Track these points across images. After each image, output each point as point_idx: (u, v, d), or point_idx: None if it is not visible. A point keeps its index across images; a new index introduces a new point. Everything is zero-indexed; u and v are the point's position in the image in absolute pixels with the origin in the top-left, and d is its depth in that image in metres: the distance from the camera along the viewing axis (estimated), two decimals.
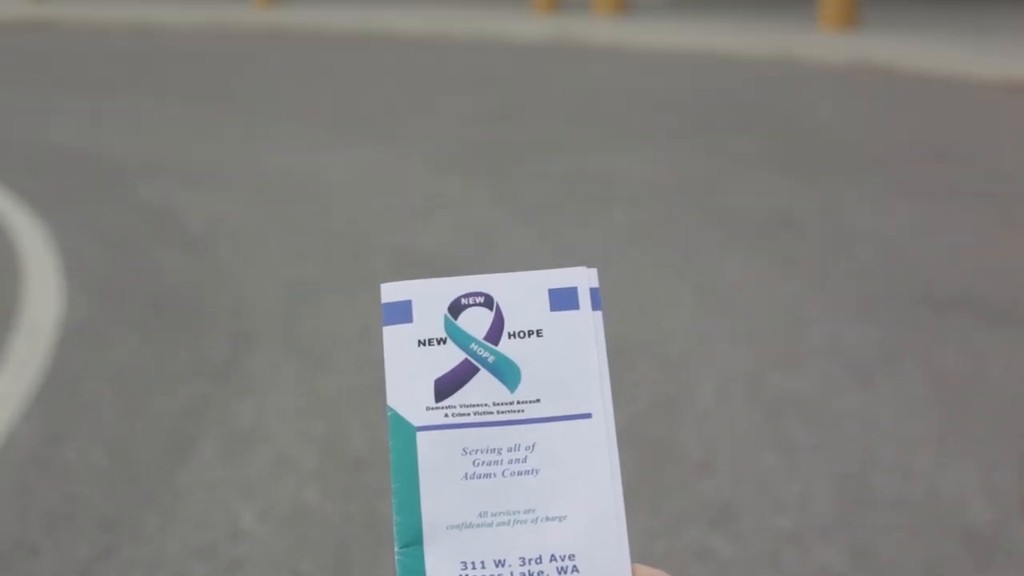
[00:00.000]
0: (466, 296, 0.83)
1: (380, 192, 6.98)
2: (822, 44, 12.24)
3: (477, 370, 0.82)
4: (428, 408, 0.81)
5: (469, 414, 0.81)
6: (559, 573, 0.79)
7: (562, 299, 0.83)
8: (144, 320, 4.87)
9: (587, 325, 0.83)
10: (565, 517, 0.79)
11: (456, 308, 0.83)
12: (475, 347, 0.82)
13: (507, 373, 0.82)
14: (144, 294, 5.21)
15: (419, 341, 0.82)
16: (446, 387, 0.82)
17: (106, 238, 6.09)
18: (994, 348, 4.36)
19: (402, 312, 0.83)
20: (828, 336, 4.52)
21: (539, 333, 0.82)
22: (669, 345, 4.47)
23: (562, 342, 0.82)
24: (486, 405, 0.81)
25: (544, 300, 0.83)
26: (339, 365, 4.32)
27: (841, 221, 6.12)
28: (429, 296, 0.83)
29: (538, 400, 0.82)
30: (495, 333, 0.82)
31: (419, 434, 0.81)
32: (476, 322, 0.82)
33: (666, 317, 4.79)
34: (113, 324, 4.82)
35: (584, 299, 0.83)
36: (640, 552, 2.93)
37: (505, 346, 0.82)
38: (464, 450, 0.81)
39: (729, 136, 8.33)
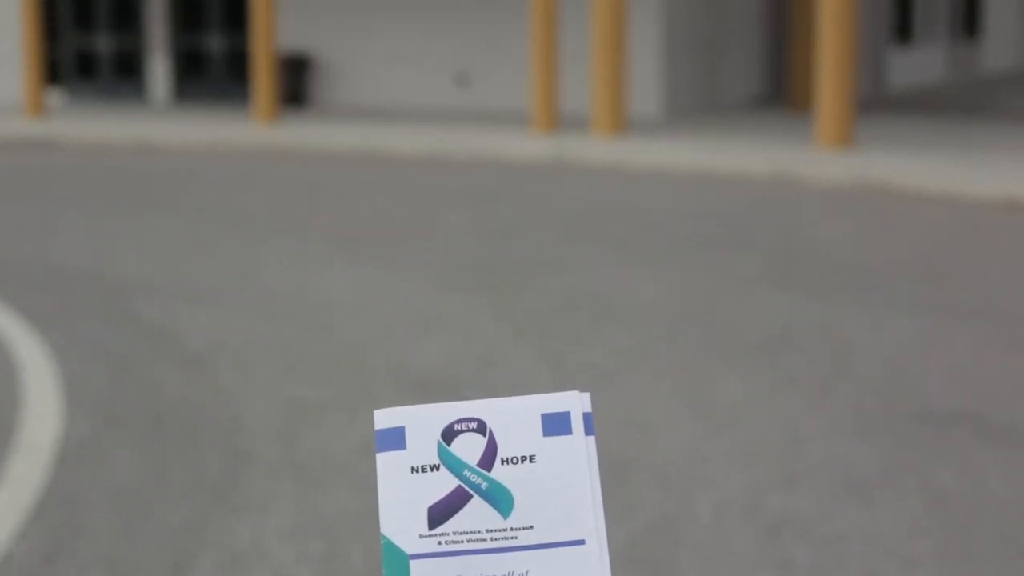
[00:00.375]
0: (459, 422, 0.84)
1: (381, 310, 7.02)
2: (819, 162, 12.42)
3: (470, 497, 0.83)
4: (421, 536, 0.82)
5: (462, 541, 0.82)
6: None
7: (555, 424, 0.84)
8: (144, 438, 4.87)
9: (580, 450, 0.83)
10: None
11: (449, 434, 0.83)
12: (468, 473, 0.83)
13: (500, 499, 0.83)
14: (144, 412, 5.21)
15: (412, 468, 0.83)
16: (439, 514, 0.83)
17: (106, 356, 6.11)
18: (993, 466, 4.35)
19: (395, 438, 0.83)
20: (827, 454, 4.51)
21: (532, 459, 0.83)
22: (668, 464, 4.46)
23: (555, 467, 0.83)
24: (479, 532, 0.82)
25: (537, 425, 0.84)
26: (338, 484, 4.31)
27: (840, 339, 6.15)
28: (422, 422, 0.84)
29: (531, 527, 0.82)
30: (488, 459, 0.83)
31: (412, 562, 0.82)
32: (469, 448, 0.83)
33: (665, 436, 4.78)
34: (113, 442, 4.81)
35: (577, 424, 0.84)
36: None
37: (498, 472, 0.83)
38: None
39: (728, 254, 8.40)
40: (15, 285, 7.82)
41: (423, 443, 0.83)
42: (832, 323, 6.46)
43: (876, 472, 4.32)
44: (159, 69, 21.97)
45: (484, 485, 0.83)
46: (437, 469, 0.83)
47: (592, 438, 0.84)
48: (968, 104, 20.36)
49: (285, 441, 4.79)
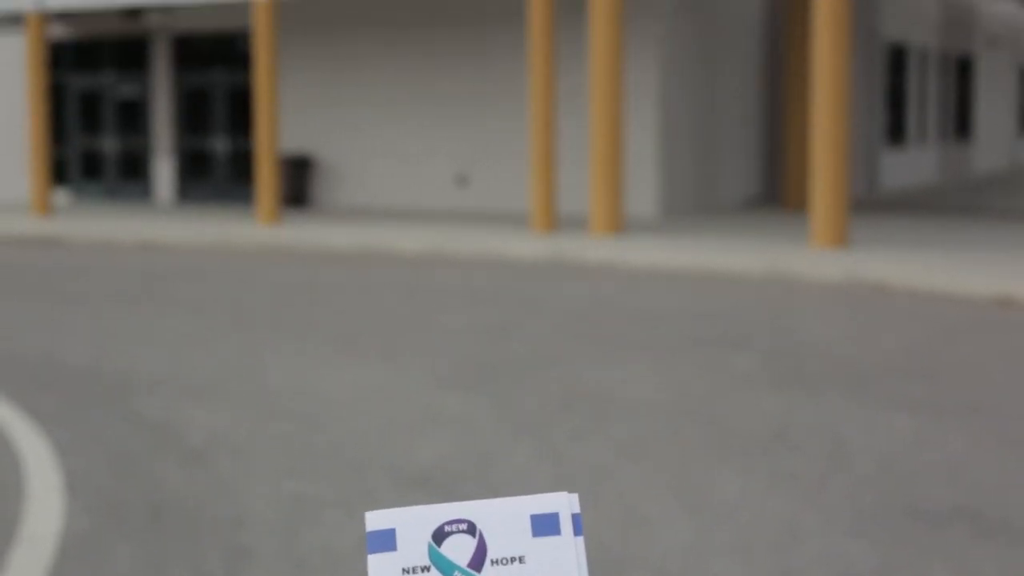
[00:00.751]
0: (449, 523, 0.85)
1: (380, 407, 7.07)
2: (814, 261, 12.56)
3: None
4: None
5: None
6: None
7: (544, 525, 0.85)
8: (144, 533, 4.89)
9: (569, 551, 0.85)
10: None
11: (440, 535, 0.85)
12: (459, 575, 0.84)
13: None
14: (145, 507, 5.24)
15: (404, 569, 0.84)
16: None
17: (108, 451, 6.14)
18: (989, 563, 4.37)
19: (386, 540, 0.85)
20: (824, 551, 4.54)
21: (522, 559, 0.84)
22: (666, 560, 4.48)
23: (544, 568, 0.84)
24: None
25: (526, 526, 0.85)
26: None
27: (836, 436, 6.19)
28: (413, 524, 0.85)
29: None
30: (478, 560, 0.84)
31: None
32: (459, 549, 0.84)
33: (663, 531, 4.81)
34: (113, 536, 4.83)
35: (566, 525, 0.85)
36: None
37: (488, 573, 0.84)
38: None
39: (725, 352, 8.47)
40: (19, 381, 7.87)
41: (414, 544, 0.84)
42: (828, 420, 6.51)
43: (873, 569, 4.34)
44: (164, 170, 22.28)
45: None
46: (428, 571, 0.84)
47: (581, 539, 0.85)
48: (959, 204, 20.61)
49: (285, 537, 4.81)
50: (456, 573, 0.84)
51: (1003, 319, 9.79)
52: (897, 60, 24.27)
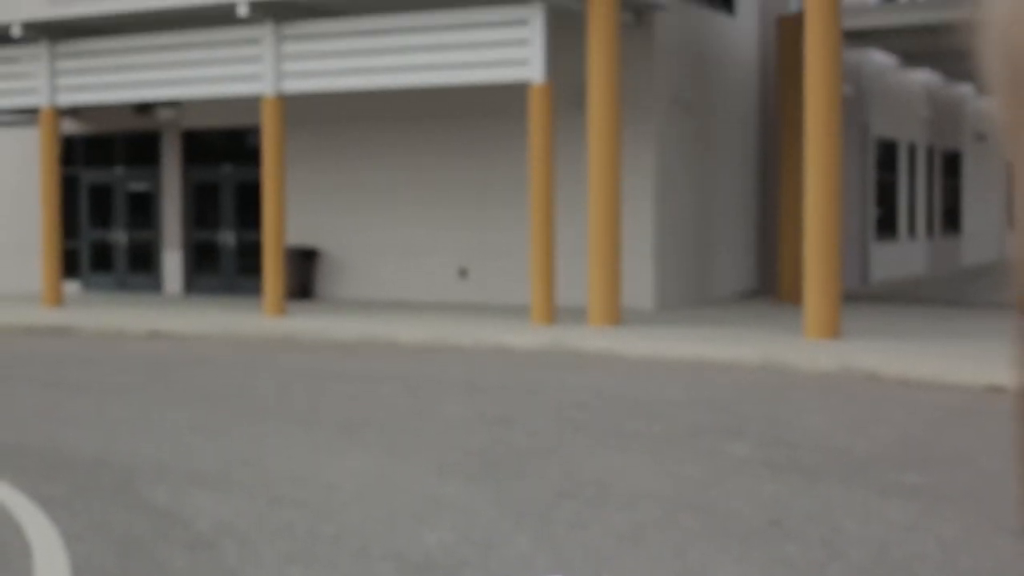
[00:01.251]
0: None
1: (383, 495, 7.18)
2: (809, 352, 12.74)
3: None
4: None
5: None
6: None
7: None
8: None
9: None
10: None
11: None
12: None
13: None
14: None
15: None
16: None
17: (115, 539, 6.25)
18: None
19: None
20: None
21: None
22: None
23: None
24: None
25: None
26: None
27: (832, 523, 6.31)
28: None
29: None
30: None
31: None
32: None
33: None
34: None
35: None
36: None
37: None
38: None
39: (722, 441, 8.61)
40: (27, 469, 7.99)
41: None
42: (823, 508, 6.63)
43: None
44: (173, 262, 22.56)
45: None
46: None
47: None
48: (949, 296, 20.86)
49: None
50: None
51: (994, 408, 9.93)
52: (888, 155, 24.73)
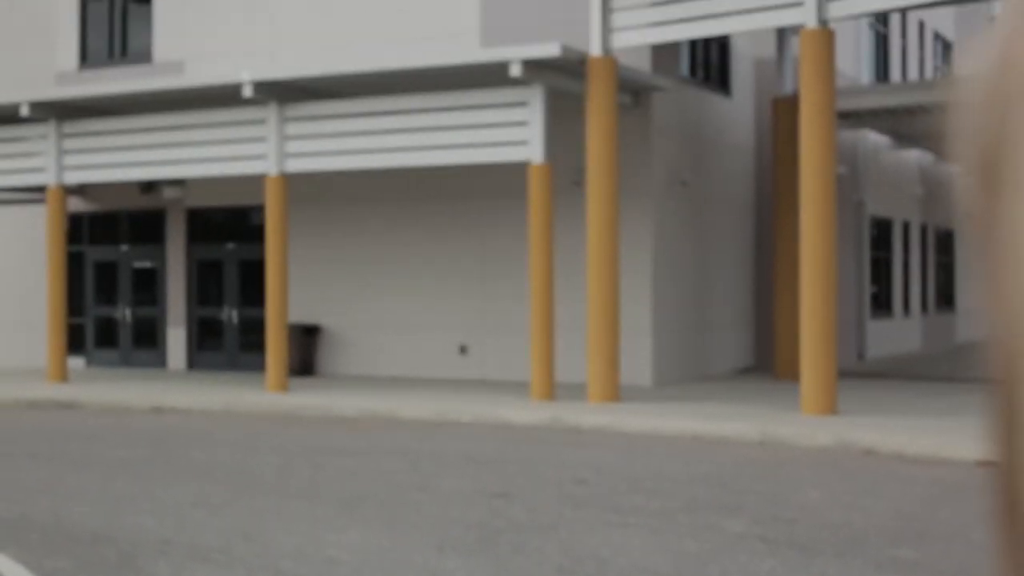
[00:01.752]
0: None
1: (383, 571, 7.26)
2: (805, 428, 12.85)
3: None
4: None
5: None
6: None
7: None
8: None
9: None
10: None
11: None
12: None
13: None
14: None
15: None
16: None
17: None
18: None
19: None
20: None
21: None
22: None
23: None
24: None
25: None
26: None
27: None
28: None
29: None
30: None
31: None
32: None
33: None
34: None
35: None
36: None
37: None
38: None
39: (720, 516, 8.70)
40: (30, 543, 8.07)
41: None
42: None
43: None
44: (177, 338, 22.73)
45: None
46: None
47: None
48: (944, 373, 20.99)
49: None
50: None
51: (988, 482, 10.02)
52: (882, 233, 25.03)
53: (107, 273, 23.58)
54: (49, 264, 20.02)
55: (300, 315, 21.08)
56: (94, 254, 23.68)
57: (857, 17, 20.18)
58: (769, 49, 21.06)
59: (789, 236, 19.39)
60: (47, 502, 9.68)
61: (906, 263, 26.45)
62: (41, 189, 21.59)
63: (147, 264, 23.20)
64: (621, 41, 16.27)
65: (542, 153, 16.15)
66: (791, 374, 18.77)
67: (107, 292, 23.58)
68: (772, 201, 20.71)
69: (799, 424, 13.26)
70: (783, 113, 19.72)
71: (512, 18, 19.18)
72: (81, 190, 23.28)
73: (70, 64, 23.35)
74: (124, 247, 23.43)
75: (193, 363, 22.57)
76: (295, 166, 18.13)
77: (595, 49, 16.15)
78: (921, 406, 15.16)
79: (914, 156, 26.98)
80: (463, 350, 20.14)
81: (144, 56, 22.60)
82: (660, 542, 7.87)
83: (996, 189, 0.41)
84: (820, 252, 14.18)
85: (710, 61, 20.75)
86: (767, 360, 21.42)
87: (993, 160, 0.41)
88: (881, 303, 24.80)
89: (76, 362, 23.09)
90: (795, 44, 18.06)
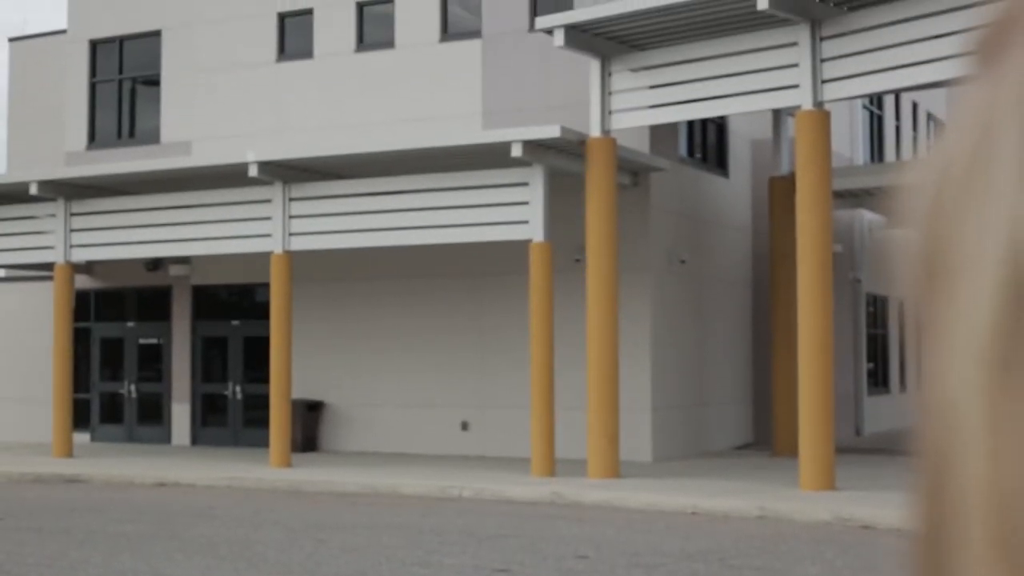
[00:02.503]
0: None
1: None
2: (804, 503, 12.96)
3: None
4: None
5: None
6: None
7: None
8: None
9: None
10: None
11: None
12: None
13: None
14: None
15: None
16: None
17: None
18: None
19: None
20: None
21: None
22: None
23: None
24: None
25: None
26: None
27: None
28: None
29: None
30: None
31: None
32: None
33: None
34: None
35: None
36: None
37: None
38: None
39: None
40: None
41: None
42: None
43: None
44: (181, 415, 22.89)
45: None
46: None
47: None
48: None
49: None
50: None
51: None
52: (879, 310, 25.27)
53: (113, 349, 23.80)
54: (55, 340, 20.24)
55: (303, 391, 21.24)
56: (100, 330, 23.91)
57: (852, 99, 20.62)
58: (766, 130, 21.46)
59: (786, 313, 19.61)
60: None
61: (902, 339, 26.66)
62: (49, 266, 21.88)
63: (153, 340, 23.41)
64: (620, 122, 16.64)
65: (543, 231, 16.44)
66: (790, 450, 18.88)
67: (113, 368, 23.78)
68: (769, 278, 20.98)
69: (798, 500, 13.37)
70: (780, 192, 20.05)
71: (513, 101, 19.61)
72: (88, 267, 23.57)
73: (79, 144, 23.77)
74: (130, 323, 23.66)
75: (197, 439, 22.69)
76: (300, 244, 18.41)
77: (595, 130, 16.51)
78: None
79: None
80: (464, 426, 20.28)
81: (152, 137, 23.03)
82: None
83: (934, 282, 0.41)
84: (817, 329, 14.39)
85: (708, 142, 21.15)
86: (766, 436, 21.53)
87: (932, 258, 0.41)
88: (878, 379, 24.96)
89: (81, 437, 23.20)
90: (791, 125, 18.46)
